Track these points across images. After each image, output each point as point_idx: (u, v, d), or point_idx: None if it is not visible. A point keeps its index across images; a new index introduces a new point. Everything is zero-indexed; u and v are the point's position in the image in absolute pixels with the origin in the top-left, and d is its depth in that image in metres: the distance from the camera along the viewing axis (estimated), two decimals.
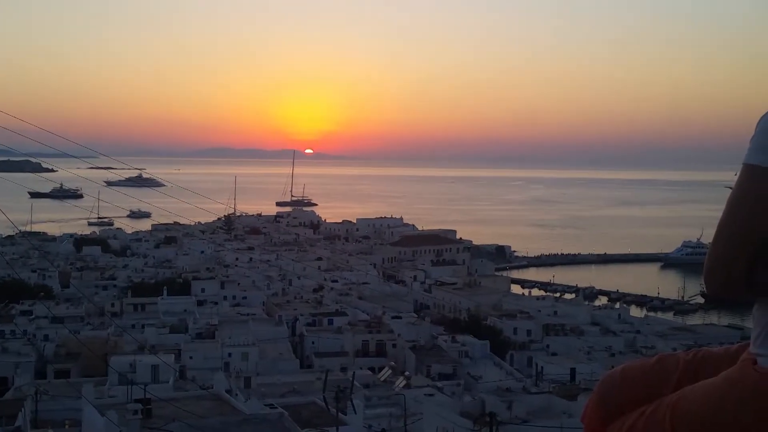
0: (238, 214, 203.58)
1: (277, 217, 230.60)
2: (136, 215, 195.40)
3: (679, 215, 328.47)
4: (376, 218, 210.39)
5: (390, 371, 66.53)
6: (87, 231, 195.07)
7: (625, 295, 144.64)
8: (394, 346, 78.18)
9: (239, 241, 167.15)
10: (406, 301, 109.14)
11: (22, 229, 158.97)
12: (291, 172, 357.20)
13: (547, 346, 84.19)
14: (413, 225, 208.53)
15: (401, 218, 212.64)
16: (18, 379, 59.69)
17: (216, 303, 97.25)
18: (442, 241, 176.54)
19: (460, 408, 47.00)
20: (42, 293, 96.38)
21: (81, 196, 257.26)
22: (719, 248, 2.43)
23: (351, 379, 47.21)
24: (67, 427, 41.65)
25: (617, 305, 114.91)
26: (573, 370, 68.25)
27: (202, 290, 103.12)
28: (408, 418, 46.58)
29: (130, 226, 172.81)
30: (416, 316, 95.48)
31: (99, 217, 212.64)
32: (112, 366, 56.17)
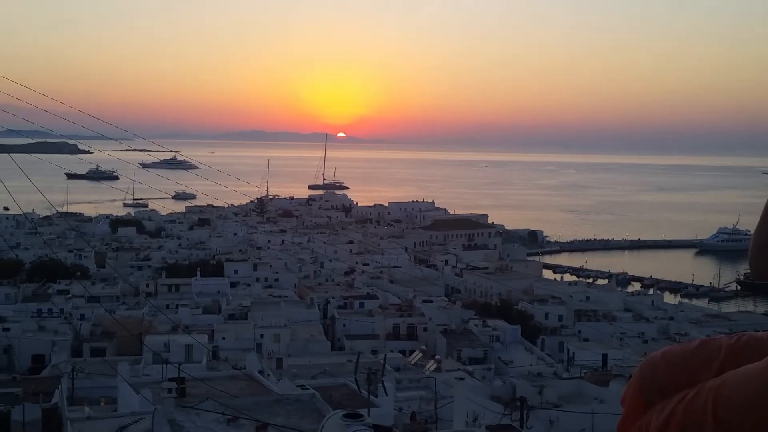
0: (271, 197, 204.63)
1: (310, 200, 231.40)
2: (181, 197, 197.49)
3: (715, 201, 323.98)
4: (408, 202, 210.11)
5: (420, 355, 66.68)
6: (122, 212, 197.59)
7: (658, 281, 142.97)
8: (425, 329, 78.31)
9: (272, 224, 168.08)
10: (437, 285, 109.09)
11: (60, 209, 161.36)
12: (323, 155, 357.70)
13: (579, 331, 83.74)
14: (445, 209, 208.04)
15: (433, 202, 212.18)
16: (55, 357, 60.78)
17: (248, 285, 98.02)
18: (473, 225, 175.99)
19: (490, 392, 46.94)
20: (78, 273, 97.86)
21: (116, 178, 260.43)
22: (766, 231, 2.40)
23: (382, 361, 47.38)
24: (102, 404, 42.33)
25: (650, 291, 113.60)
26: (605, 356, 67.75)
27: (235, 272, 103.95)
28: (438, 402, 46.68)
29: (165, 208, 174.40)
30: (447, 300, 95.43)
31: (134, 199, 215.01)
32: (147, 345, 56.94)
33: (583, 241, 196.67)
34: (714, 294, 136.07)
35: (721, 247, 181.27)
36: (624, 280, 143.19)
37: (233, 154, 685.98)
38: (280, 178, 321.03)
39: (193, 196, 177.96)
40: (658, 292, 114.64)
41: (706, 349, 2.65)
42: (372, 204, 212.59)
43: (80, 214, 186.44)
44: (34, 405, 38.17)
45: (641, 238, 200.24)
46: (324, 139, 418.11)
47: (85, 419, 34.39)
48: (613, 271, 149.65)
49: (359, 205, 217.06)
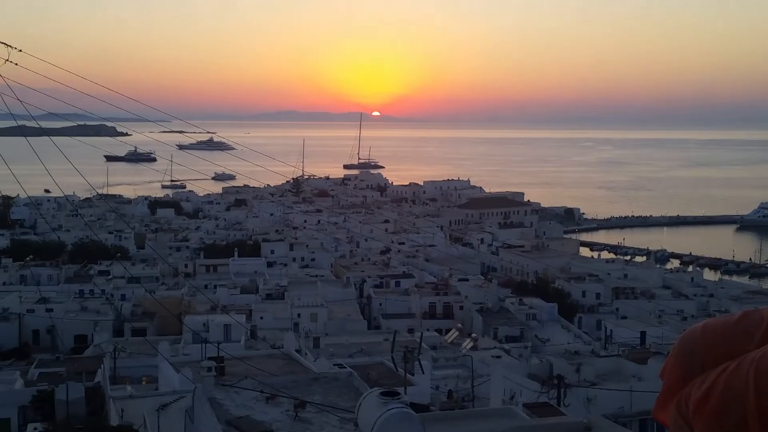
0: (307, 177, 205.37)
1: (345, 179, 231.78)
2: (221, 177, 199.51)
3: (756, 176, 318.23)
4: (444, 180, 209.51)
5: (457, 333, 66.73)
6: (160, 194, 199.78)
7: (698, 258, 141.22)
8: (461, 308, 78.31)
9: (307, 204, 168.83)
10: (473, 263, 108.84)
11: (100, 191, 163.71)
12: (358, 135, 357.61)
13: (617, 309, 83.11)
14: (480, 187, 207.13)
15: (468, 181, 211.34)
16: (97, 336, 61.91)
17: (285, 265, 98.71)
18: (509, 203, 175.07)
19: (527, 370, 46.97)
20: (119, 254, 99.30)
21: (154, 160, 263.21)
22: None
23: (419, 340, 47.49)
24: (144, 383, 43.07)
25: (690, 268, 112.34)
26: (643, 334, 67.27)
27: (272, 252, 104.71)
28: (475, 380, 46.73)
29: (203, 189, 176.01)
30: (483, 278, 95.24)
31: (172, 180, 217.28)
32: (186, 325, 57.71)
33: (620, 218, 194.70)
34: (755, 270, 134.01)
35: (762, 222, 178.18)
36: (663, 257, 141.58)
37: (268, 134, 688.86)
38: (316, 157, 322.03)
39: (232, 177, 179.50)
40: (698, 269, 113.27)
41: (748, 321, 2.60)
42: (407, 183, 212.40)
43: (119, 195, 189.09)
44: (78, 384, 38.95)
45: (680, 215, 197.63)
46: (359, 118, 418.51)
47: (127, 398, 35.05)
48: (651, 248, 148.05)
49: (394, 184, 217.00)
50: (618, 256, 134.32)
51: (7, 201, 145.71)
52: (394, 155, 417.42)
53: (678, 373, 2.64)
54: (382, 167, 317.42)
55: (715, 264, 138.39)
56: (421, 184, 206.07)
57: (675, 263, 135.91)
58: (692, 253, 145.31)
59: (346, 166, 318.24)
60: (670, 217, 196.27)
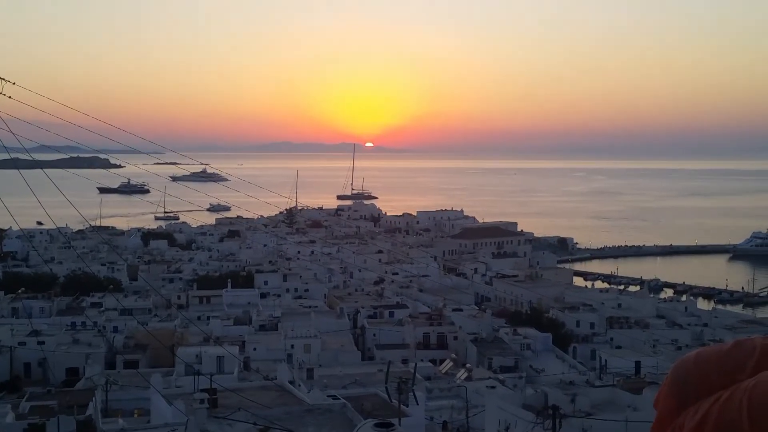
0: (300, 208, 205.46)
1: (338, 210, 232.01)
2: (216, 208, 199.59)
3: (748, 206, 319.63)
4: (437, 211, 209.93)
5: (451, 363, 66.38)
6: (154, 225, 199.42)
7: (691, 287, 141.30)
8: (455, 338, 78.00)
9: (301, 234, 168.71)
10: (467, 293, 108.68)
11: (92, 223, 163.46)
12: (351, 165, 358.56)
13: (611, 339, 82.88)
14: (474, 217, 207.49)
15: (462, 211, 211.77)
16: (89, 369, 61.34)
17: (279, 295, 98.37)
18: (503, 233, 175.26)
19: (522, 401, 46.62)
20: (111, 286, 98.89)
21: (148, 191, 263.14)
22: None
23: (413, 370, 47.27)
24: (136, 415, 42.70)
25: (683, 298, 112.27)
26: (638, 364, 67.06)
27: (265, 283, 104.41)
28: (470, 411, 46.45)
29: (196, 220, 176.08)
30: (477, 308, 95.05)
31: (165, 212, 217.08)
32: (179, 357, 57.34)
33: (614, 247, 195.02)
34: (748, 299, 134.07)
35: (755, 251, 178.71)
36: (656, 286, 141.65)
37: (262, 165, 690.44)
38: (309, 188, 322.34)
39: (227, 208, 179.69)
40: (692, 298, 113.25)
41: (740, 350, 2.61)
42: (401, 213, 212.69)
43: (112, 227, 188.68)
44: (69, 417, 38.56)
45: (673, 244, 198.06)
46: (352, 149, 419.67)
47: (119, 431, 34.71)
48: (645, 277, 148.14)
49: (388, 214, 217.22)
50: (612, 286, 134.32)
51: (0, 233, 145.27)
52: (387, 186, 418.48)
53: (671, 403, 2.65)
54: (376, 198, 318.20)
55: (708, 293, 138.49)
56: (415, 214, 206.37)
57: (669, 292, 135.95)
58: (686, 283, 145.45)
59: (339, 197, 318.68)
60: (663, 246, 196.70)
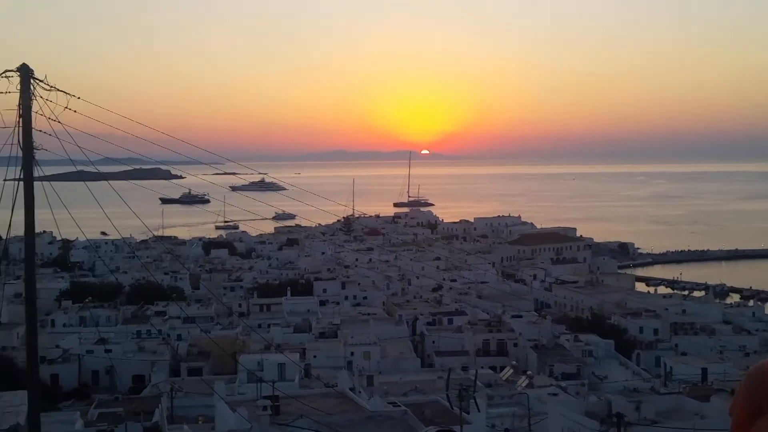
0: (357, 216, 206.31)
1: (395, 217, 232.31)
2: (281, 217, 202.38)
3: None
4: (494, 217, 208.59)
5: (512, 370, 65.88)
6: (214, 234, 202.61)
7: (759, 292, 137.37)
8: (515, 345, 77.33)
9: (358, 242, 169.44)
10: (526, 299, 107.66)
11: (155, 233, 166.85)
12: (408, 173, 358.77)
13: (676, 345, 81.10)
14: (532, 223, 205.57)
15: (519, 217, 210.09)
16: (154, 376, 62.61)
17: (337, 303, 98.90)
18: (561, 239, 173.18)
19: (585, 408, 45.99)
20: (174, 294, 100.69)
21: (208, 201, 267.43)
22: None
23: (474, 377, 47.06)
24: (200, 422, 43.37)
25: (751, 303, 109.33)
26: (704, 370, 65.48)
27: (324, 290, 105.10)
28: (532, 418, 46.02)
29: (255, 228, 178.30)
30: (537, 315, 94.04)
31: (225, 221, 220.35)
32: (241, 364, 58.06)
33: (676, 252, 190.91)
34: None
35: None
36: (722, 291, 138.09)
37: (318, 174, 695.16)
38: (366, 196, 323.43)
39: (292, 216, 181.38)
40: (759, 303, 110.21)
41: None
42: (458, 220, 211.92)
43: (175, 237, 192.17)
44: (136, 424, 39.46)
45: (739, 248, 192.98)
46: (407, 156, 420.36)
47: None
48: (709, 282, 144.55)
49: (445, 221, 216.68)
50: (675, 291, 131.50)
51: (67, 244, 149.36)
52: (443, 193, 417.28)
53: (747, 410, 2.67)
54: (432, 204, 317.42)
55: None
56: (472, 221, 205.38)
57: (735, 298, 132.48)
58: (752, 287, 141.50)
59: (396, 204, 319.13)
60: (729, 250, 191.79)
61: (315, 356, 70.46)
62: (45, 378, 59.97)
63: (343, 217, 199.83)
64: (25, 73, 18.11)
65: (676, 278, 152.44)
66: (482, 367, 65.27)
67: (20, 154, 18.26)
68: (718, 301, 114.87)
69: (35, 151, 18.55)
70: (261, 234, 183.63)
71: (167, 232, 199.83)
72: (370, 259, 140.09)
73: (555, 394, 52.25)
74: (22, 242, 20.71)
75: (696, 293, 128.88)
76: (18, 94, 17.99)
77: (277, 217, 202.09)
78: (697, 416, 42.37)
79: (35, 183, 18.68)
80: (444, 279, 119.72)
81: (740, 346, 78.37)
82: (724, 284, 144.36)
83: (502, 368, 68.19)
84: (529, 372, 64.34)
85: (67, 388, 66.72)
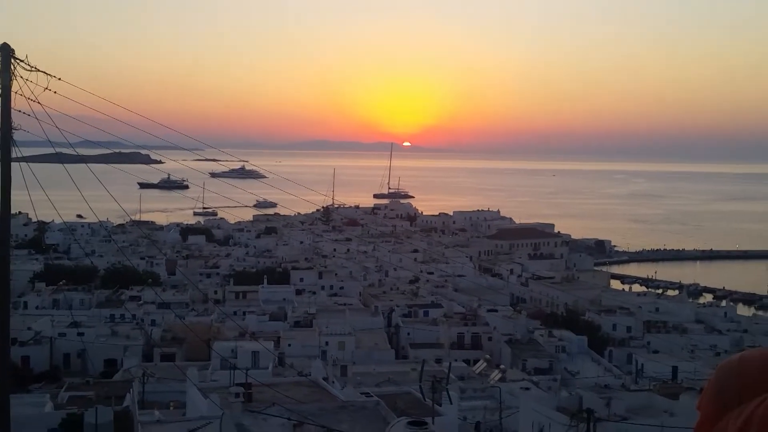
0: (337, 206, 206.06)
1: (375, 208, 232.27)
2: (263, 205, 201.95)
3: None
4: (473, 211, 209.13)
5: (485, 364, 66.17)
6: (192, 221, 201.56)
7: (731, 292, 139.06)
8: (489, 339, 77.73)
9: (337, 232, 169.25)
10: (502, 294, 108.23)
11: (132, 218, 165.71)
12: (389, 164, 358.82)
13: (648, 343, 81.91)
14: (510, 218, 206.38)
15: (498, 211, 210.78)
16: (126, 361, 62.23)
17: (314, 292, 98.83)
18: (539, 234, 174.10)
19: (556, 403, 46.30)
20: (150, 280, 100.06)
21: (187, 187, 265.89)
22: None
23: (447, 370, 47.19)
24: (171, 408, 43.19)
25: (723, 303, 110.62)
26: (675, 369, 66.17)
27: (301, 280, 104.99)
28: (503, 412, 46.25)
29: (234, 216, 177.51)
30: (512, 309, 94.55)
31: (204, 207, 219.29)
32: (215, 351, 57.88)
33: (652, 251, 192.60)
34: None
35: None
36: (695, 291, 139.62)
37: (299, 163, 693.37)
38: (346, 187, 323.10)
39: (273, 205, 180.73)
40: (731, 303, 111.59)
41: None
42: (437, 213, 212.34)
43: (152, 222, 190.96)
44: (107, 408, 39.17)
45: (713, 249, 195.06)
46: (389, 148, 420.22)
47: (155, 422, 35.19)
48: (684, 281, 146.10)
49: (424, 214, 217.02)
50: (650, 290, 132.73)
51: (42, 226, 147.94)
52: (423, 185, 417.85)
53: (715, 405, 2.63)
54: (412, 197, 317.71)
55: (749, 299, 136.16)
56: (451, 214, 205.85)
57: (708, 297, 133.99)
58: (726, 288, 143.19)
59: (376, 196, 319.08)
60: (704, 251, 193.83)
61: (289, 345, 70.47)
62: (16, 360, 59.45)
63: (323, 207, 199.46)
64: (6, 52, 17.81)
65: (650, 277, 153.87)
66: (456, 360, 65.51)
67: None
68: (691, 300, 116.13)
69: (13, 131, 18.26)
70: (239, 221, 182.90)
71: (144, 217, 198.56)
72: (348, 250, 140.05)
73: (527, 389, 52.59)
74: None
75: (670, 292, 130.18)
76: None
77: (259, 205, 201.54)
78: (666, 413, 42.79)
79: (12, 164, 18.40)
80: (421, 271, 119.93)
81: (711, 345, 79.28)
82: (698, 284, 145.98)
83: (476, 362, 68.46)
84: (502, 366, 64.67)
85: (38, 371, 66.17)
